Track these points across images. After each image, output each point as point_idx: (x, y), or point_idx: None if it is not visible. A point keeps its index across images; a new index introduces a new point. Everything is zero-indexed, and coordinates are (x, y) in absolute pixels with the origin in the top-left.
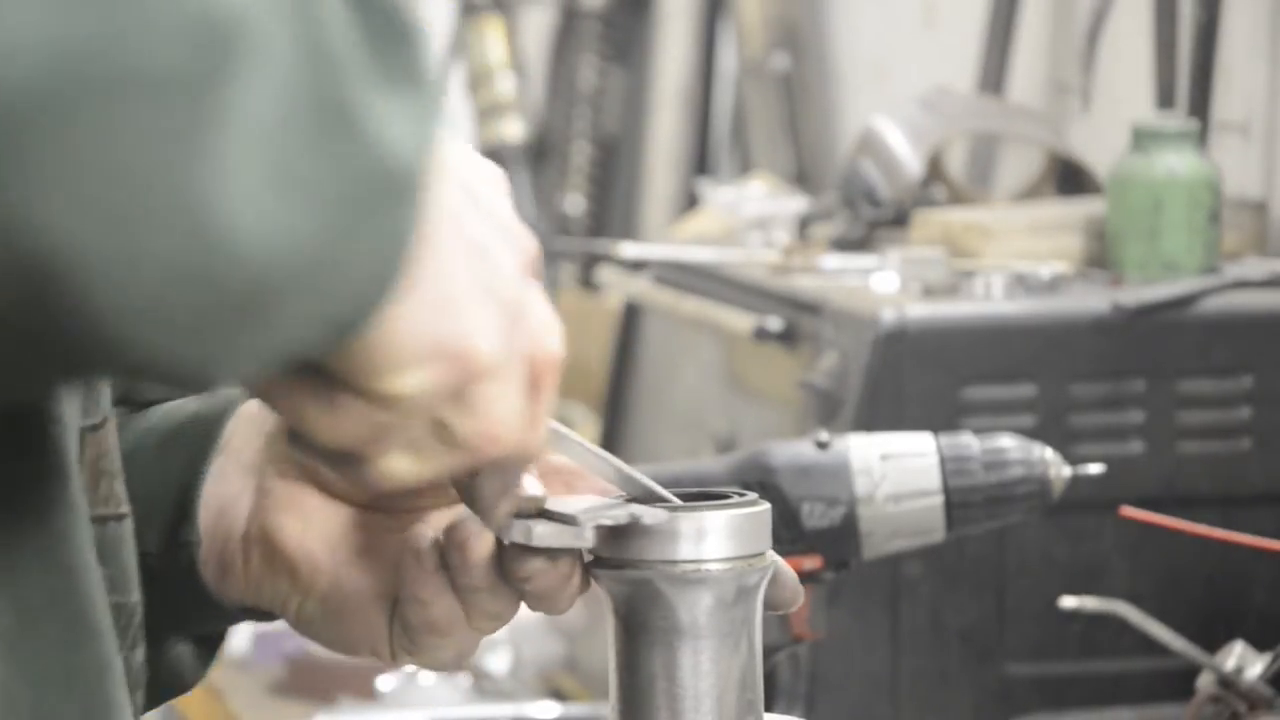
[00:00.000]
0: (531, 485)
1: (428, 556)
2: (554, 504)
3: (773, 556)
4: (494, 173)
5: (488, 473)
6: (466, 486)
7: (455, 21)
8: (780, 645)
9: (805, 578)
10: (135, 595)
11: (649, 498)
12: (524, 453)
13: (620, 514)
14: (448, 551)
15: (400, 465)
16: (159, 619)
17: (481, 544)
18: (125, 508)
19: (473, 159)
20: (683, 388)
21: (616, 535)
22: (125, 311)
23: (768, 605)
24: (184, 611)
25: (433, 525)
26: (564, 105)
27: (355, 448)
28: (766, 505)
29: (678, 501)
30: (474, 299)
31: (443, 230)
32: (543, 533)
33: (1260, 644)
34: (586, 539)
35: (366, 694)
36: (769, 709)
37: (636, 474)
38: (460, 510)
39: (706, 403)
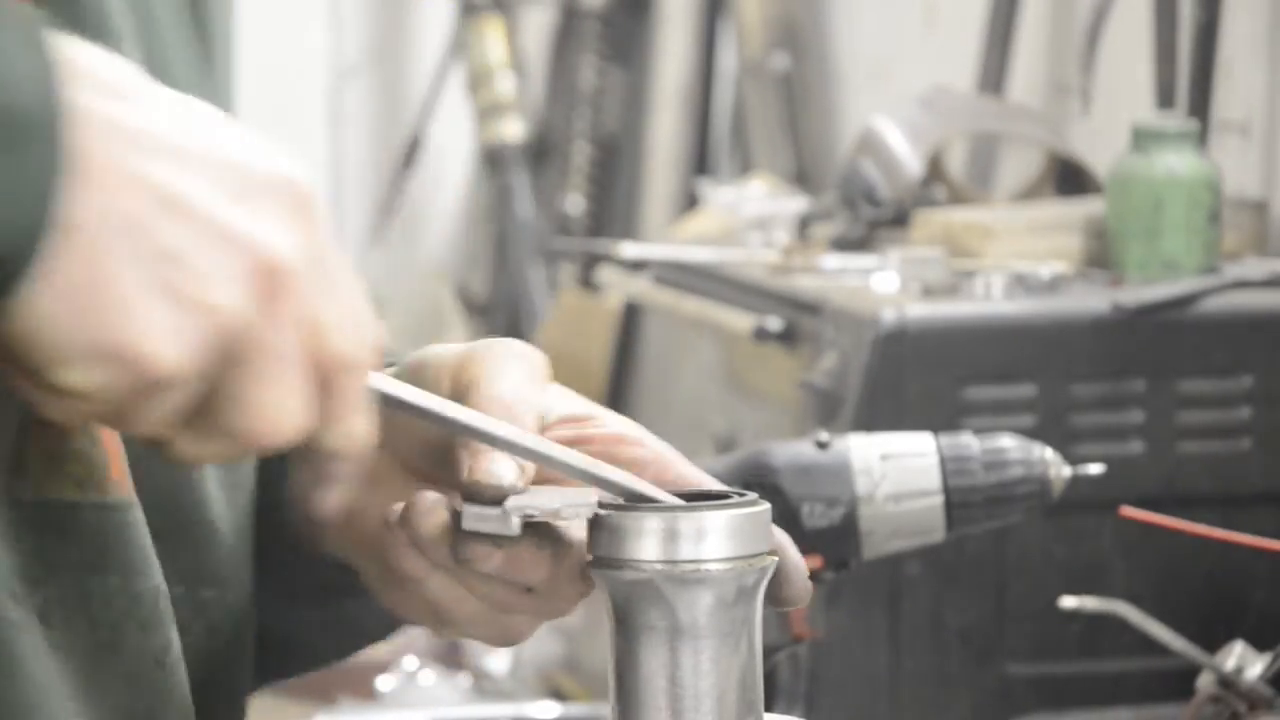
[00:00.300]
0: (506, 473)
1: (397, 530)
2: (537, 494)
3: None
4: (248, 174)
5: (296, 461)
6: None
7: (455, 21)
8: (780, 645)
9: None
10: (153, 580)
11: (634, 497)
12: (324, 448)
13: (550, 507)
14: (405, 528)
15: (188, 447)
16: (299, 576)
17: (428, 522)
18: (122, 495)
19: (207, 156)
20: (683, 388)
21: (614, 534)
22: None
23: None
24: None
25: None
26: (564, 105)
27: (123, 428)
28: (766, 505)
29: (673, 499)
30: (147, 304)
31: (106, 239)
32: (472, 517)
33: (1260, 644)
34: (511, 527)
35: (366, 694)
36: (769, 709)
37: (607, 472)
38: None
39: (706, 403)
